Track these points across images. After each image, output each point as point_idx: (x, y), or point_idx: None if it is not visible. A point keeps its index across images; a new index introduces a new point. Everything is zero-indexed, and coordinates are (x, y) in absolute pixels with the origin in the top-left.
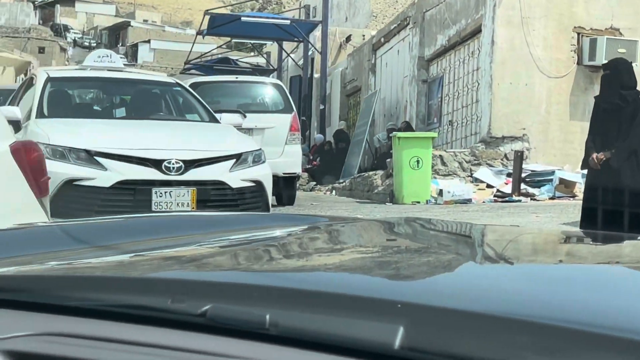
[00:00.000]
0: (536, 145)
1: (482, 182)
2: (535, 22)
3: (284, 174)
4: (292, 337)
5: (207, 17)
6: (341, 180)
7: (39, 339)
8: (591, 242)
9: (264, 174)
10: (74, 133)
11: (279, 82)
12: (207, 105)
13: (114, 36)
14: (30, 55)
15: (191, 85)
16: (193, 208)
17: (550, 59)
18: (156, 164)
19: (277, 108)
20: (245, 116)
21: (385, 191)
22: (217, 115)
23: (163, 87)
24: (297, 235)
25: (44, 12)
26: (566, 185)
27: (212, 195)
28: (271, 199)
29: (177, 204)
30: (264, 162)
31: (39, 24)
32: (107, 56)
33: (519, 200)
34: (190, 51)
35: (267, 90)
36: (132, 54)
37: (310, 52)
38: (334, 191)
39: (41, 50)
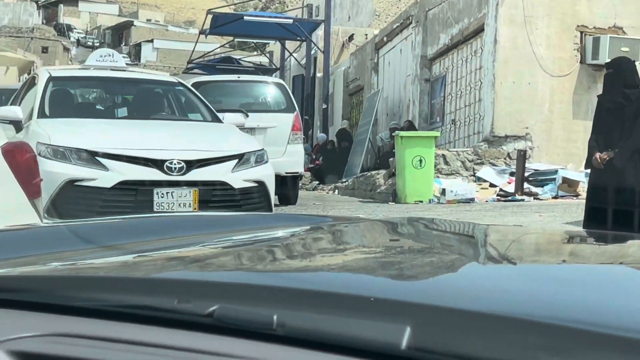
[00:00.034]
0: (539, 144)
1: (485, 181)
2: (538, 20)
3: (286, 173)
4: (299, 337)
5: (210, 17)
6: (344, 180)
7: (46, 340)
8: (595, 242)
9: (266, 174)
10: (76, 133)
11: (281, 81)
12: (209, 105)
13: (117, 36)
14: (33, 55)
15: (193, 85)
16: (195, 209)
17: (553, 58)
18: (158, 164)
19: (280, 107)
20: (247, 115)
21: (387, 190)
22: (220, 115)
23: (165, 87)
24: (301, 235)
25: (48, 11)
26: (569, 185)
27: (214, 196)
28: (274, 199)
29: (179, 205)
30: (266, 162)
31: (43, 23)
32: (109, 55)
33: (522, 200)
34: (193, 50)
35: (269, 89)
36: (135, 54)
37: (312, 51)
38: (336, 190)
39: (44, 49)
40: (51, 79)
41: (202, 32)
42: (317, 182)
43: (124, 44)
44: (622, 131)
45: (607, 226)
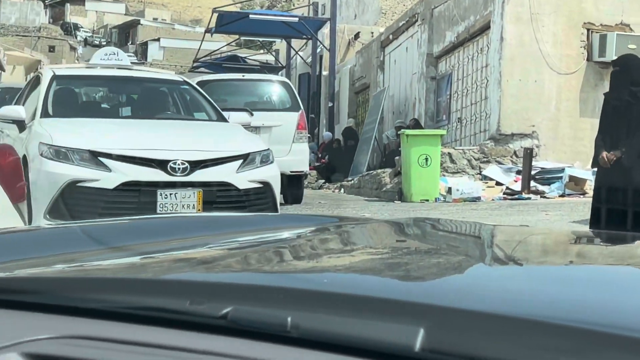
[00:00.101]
0: (546, 143)
1: (491, 179)
2: (544, 18)
3: (291, 172)
4: (313, 339)
5: (215, 15)
6: (350, 178)
7: (60, 342)
8: (603, 243)
9: (271, 174)
10: (78, 133)
11: (286, 80)
12: (215, 104)
13: (124, 35)
14: (40, 54)
15: (198, 84)
16: (199, 210)
17: (560, 56)
18: (161, 164)
19: (284, 106)
20: (252, 114)
21: (393, 189)
22: (225, 114)
23: (170, 86)
24: (310, 236)
25: (54, 11)
26: (576, 183)
27: (218, 197)
28: (279, 198)
29: (183, 206)
30: (272, 162)
31: (49, 22)
32: (114, 54)
33: (529, 198)
34: (199, 49)
35: (274, 88)
36: (141, 52)
37: (318, 50)
38: (342, 189)
39: (51, 49)
40: (55, 77)
41: (207, 30)
42: (323, 180)
43: (130, 42)
44: (629, 129)
45: (614, 226)
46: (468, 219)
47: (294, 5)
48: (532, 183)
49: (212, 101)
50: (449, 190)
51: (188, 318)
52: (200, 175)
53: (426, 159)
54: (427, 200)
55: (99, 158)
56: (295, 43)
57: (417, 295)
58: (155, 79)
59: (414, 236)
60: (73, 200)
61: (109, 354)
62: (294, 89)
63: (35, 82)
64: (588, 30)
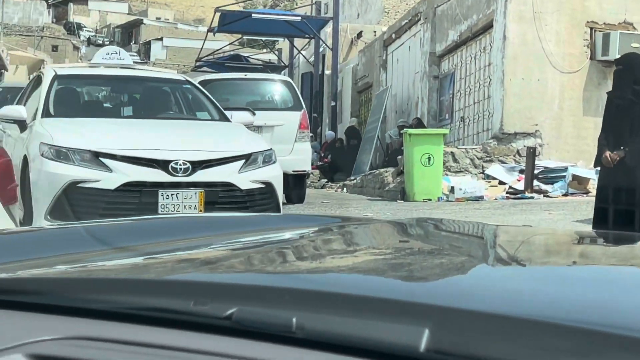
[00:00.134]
0: (549, 142)
1: (494, 179)
2: (547, 16)
3: (293, 171)
4: (318, 340)
5: (218, 15)
6: (352, 178)
7: (65, 343)
8: (608, 244)
9: (274, 175)
10: (79, 133)
11: (288, 79)
12: (217, 104)
13: (127, 34)
14: (43, 54)
15: (200, 83)
16: (201, 210)
17: (563, 54)
18: (163, 165)
19: (287, 105)
20: (254, 114)
21: (396, 188)
22: (228, 114)
23: (173, 85)
24: (313, 237)
25: (57, 10)
26: (579, 182)
27: (220, 197)
28: (281, 197)
29: (185, 206)
30: (274, 162)
31: (52, 22)
32: (116, 53)
33: (532, 197)
34: (202, 48)
35: (276, 87)
36: (144, 52)
37: (321, 49)
38: (345, 188)
39: (54, 48)
40: (56, 77)
41: (210, 30)
42: (326, 180)
43: (133, 42)
44: (632, 128)
45: (618, 226)
46: (471, 219)
47: (296, 4)
48: (535, 182)
49: (214, 100)
50: (452, 190)
51: (192, 319)
52: (202, 176)
53: (429, 158)
54: (430, 200)
55: (99, 158)
56: (298, 42)
57: (422, 296)
58: (158, 78)
59: (417, 236)
60: (74, 201)
61: (112, 354)
62: (296, 88)
63: (36, 82)
64: (591, 29)
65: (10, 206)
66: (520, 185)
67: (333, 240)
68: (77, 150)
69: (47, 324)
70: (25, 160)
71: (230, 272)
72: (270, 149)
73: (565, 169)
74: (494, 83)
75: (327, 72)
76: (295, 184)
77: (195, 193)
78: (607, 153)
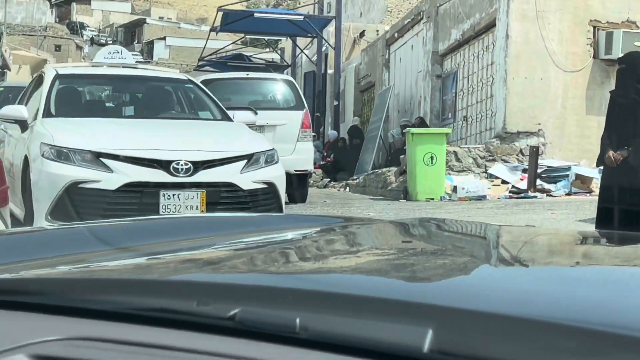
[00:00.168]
0: (552, 141)
1: (497, 178)
2: (550, 15)
3: (295, 171)
4: (321, 340)
5: (220, 14)
6: (355, 177)
7: (68, 344)
8: (611, 244)
9: (276, 175)
10: (80, 133)
11: (290, 78)
12: (219, 103)
13: (130, 33)
14: (46, 53)
15: (202, 82)
16: (202, 211)
17: (566, 53)
18: (164, 165)
19: (289, 105)
20: (256, 113)
21: (399, 188)
22: (230, 113)
23: (174, 84)
24: (317, 237)
25: (60, 10)
26: (582, 181)
27: (222, 198)
28: (284, 197)
29: (186, 207)
30: (276, 162)
31: (55, 22)
32: (118, 52)
33: (535, 197)
34: (204, 48)
35: (278, 86)
36: (147, 51)
37: (324, 48)
38: (347, 188)
39: (57, 48)
40: (58, 76)
41: (213, 29)
42: (328, 179)
43: (136, 41)
44: (635, 127)
45: (621, 226)
46: (473, 218)
47: (299, 3)
48: (538, 181)
49: (216, 100)
50: (455, 189)
51: (195, 319)
52: (203, 176)
53: (431, 158)
54: (433, 199)
55: (100, 159)
56: (301, 41)
57: (425, 296)
58: (159, 77)
59: (420, 237)
60: (75, 202)
61: (115, 355)
62: (298, 88)
63: (38, 81)
64: (594, 27)
65: (1, 208)
66: (523, 185)
67: (336, 240)
68: (78, 150)
69: (50, 325)
70: (26, 160)
71: (233, 273)
72: (273, 148)
73: (569, 168)
74: (497, 82)
75: (330, 71)
76: (297, 183)
77: (197, 193)
78: (611, 152)
